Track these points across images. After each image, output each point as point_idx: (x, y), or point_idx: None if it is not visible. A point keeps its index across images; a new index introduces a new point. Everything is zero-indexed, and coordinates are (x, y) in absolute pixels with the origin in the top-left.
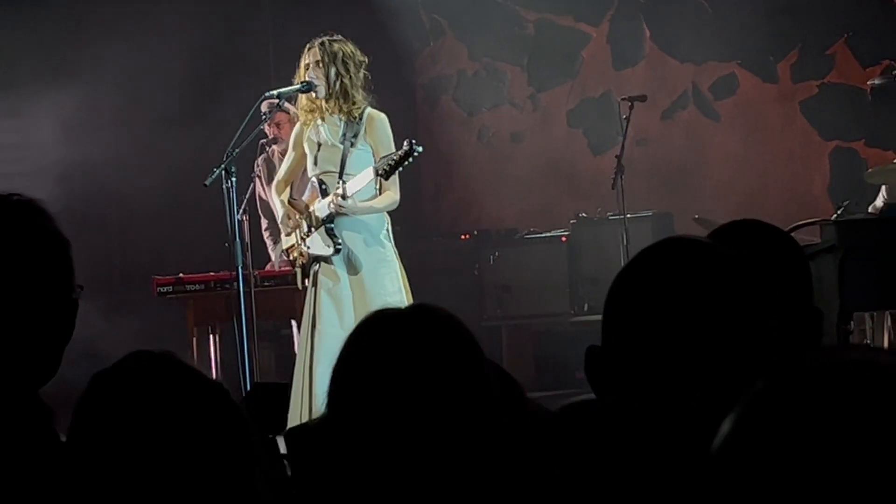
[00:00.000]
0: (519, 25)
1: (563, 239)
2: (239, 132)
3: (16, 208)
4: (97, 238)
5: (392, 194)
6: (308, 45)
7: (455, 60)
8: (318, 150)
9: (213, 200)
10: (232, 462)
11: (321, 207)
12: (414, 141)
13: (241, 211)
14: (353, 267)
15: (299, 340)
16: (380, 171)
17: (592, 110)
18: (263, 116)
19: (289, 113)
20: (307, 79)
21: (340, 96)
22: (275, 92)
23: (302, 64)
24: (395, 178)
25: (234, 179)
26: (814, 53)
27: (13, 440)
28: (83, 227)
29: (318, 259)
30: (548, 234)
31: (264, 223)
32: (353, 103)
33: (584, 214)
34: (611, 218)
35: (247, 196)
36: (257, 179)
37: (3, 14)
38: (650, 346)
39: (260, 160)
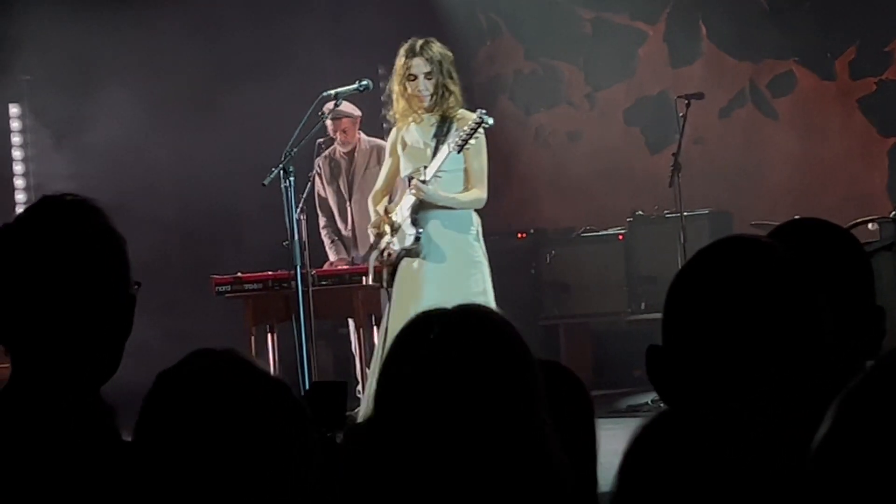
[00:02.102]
0: (576, 24)
1: (620, 237)
2: (297, 132)
3: (70, 207)
4: (156, 237)
5: (478, 192)
6: (405, 53)
7: (512, 60)
8: (411, 150)
9: (271, 200)
10: (293, 460)
11: (405, 201)
12: (484, 111)
13: (298, 210)
14: (439, 264)
15: (378, 338)
16: (452, 146)
17: (649, 109)
18: (321, 115)
19: (352, 117)
20: (420, 90)
21: (446, 99)
22: (332, 92)
23: (400, 68)
24: (483, 177)
25: (292, 179)
26: (872, 50)
27: (77, 439)
28: (141, 226)
29: (406, 253)
30: (605, 233)
31: (322, 221)
32: (455, 101)
33: (641, 213)
34: (668, 216)
35: (304, 195)
36: (317, 177)
37: (68, 14)
38: (710, 345)
39: (320, 158)
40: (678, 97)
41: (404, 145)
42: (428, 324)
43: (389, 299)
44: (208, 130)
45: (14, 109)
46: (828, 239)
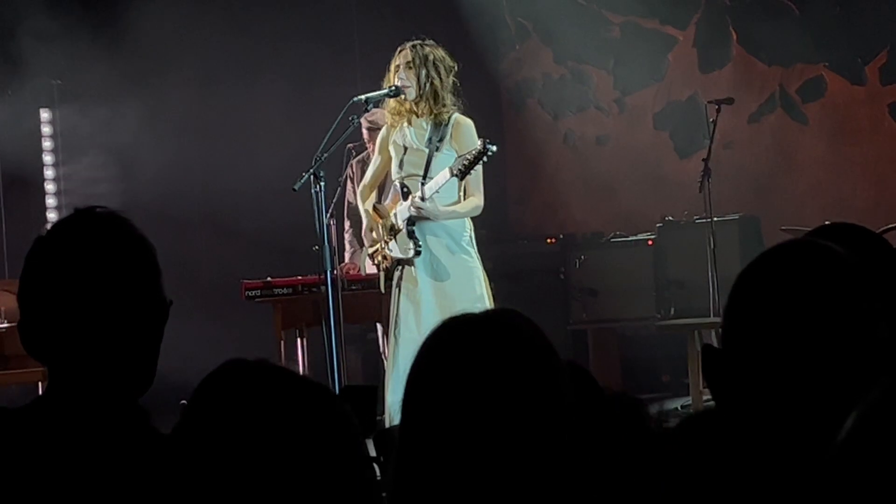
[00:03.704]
0: (605, 28)
1: (650, 242)
2: (327, 137)
3: (102, 219)
4: (186, 242)
5: (475, 200)
6: (399, 48)
7: (541, 64)
8: (404, 153)
9: (301, 204)
10: (344, 464)
11: (402, 211)
12: (488, 140)
13: (328, 215)
14: (436, 272)
15: (388, 347)
16: (454, 171)
17: (679, 113)
18: (351, 120)
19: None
20: (396, 82)
21: (430, 98)
22: (362, 97)
23: (392, 66)
24: (480, 183)
25: (322, 184)
26: None
27: (115, 444)
28: (172, 230)
29: (400, 262)
30: (634, 238)
31: (346, 225)
32: (443, 106)
33: (670, 218)
34: (697, 221)
35: (334, 200)
36: (349, 181)
37: (97, 19)
38: (771, 348)
39: (354, 162)
40: (708, 102)
41: (396, 146)
42: (455, 330)
43: (395, 303)
44: (237, 134)
45: (44, 114)
46: (860, 243)
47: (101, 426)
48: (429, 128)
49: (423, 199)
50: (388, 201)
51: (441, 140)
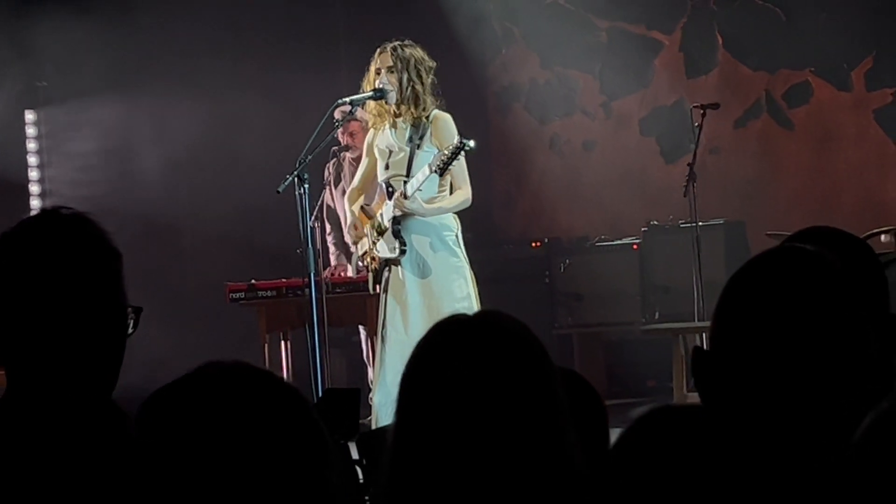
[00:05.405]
0: (591, 33)
1: (635, 247)
2: (311, 139)
3: (66, 221)
4: (171, 244)
5: (463, 193)
6: (379, 50)
7: (527, 68)
8: (388, 155)
9: (285, 207)
10: (307, 467)
11: (387, 210)
12: (464, 137)
13: (312, 218)
14: (421, 272)
15: (377, 347)
16: (433, 168)
17: (664, 118)
18: (336, 123)
19: (361, 122)
20: (379, 85)
21: (412, 102)
22: (347, 99)
23: (372, 68)
24: (466, 176)
25: (306, 186)
26: (888, 61)
27: (83, 446)
28: (157, 233)
29: (388, 263)
30: (619, 242)
31: (328, 228)
32: (424, 108)
33: (655, 222)
34: (682, 226)
35: (318, 203)
36: (327, 186)
37: (83, 21)
38: (760, 353)
39: (330, 165)
40: (693, 107)
41: (380, 150)
42: (449, 331)
43: (383, 304)
44: (221, 136)
45: (29, 116)
46: (842, 247)
47: (63, 429)
48: (409, 128)
49: (405, 197)
50: (374, 202)
51: (421, 138)
